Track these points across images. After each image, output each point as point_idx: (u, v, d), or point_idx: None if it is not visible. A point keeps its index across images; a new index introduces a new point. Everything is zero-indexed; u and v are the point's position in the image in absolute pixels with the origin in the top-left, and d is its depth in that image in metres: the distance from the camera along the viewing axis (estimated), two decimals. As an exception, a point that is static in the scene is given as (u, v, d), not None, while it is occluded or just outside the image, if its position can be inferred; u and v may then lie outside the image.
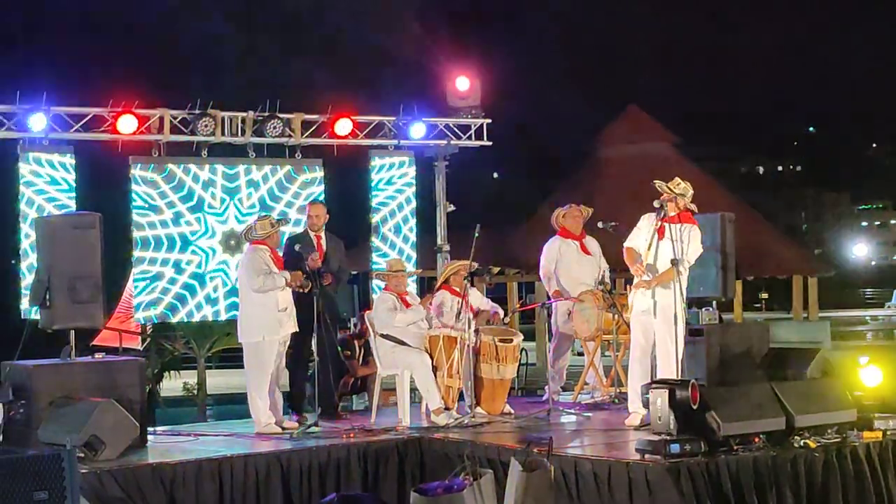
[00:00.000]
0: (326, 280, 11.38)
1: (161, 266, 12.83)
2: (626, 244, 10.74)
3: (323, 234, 11.82)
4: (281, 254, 11.13)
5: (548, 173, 30.94)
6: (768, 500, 8.69)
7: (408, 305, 11.40)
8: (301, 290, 10.96)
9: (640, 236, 10.59)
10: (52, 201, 12.28)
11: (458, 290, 11.60)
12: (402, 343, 11.19)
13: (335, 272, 11.74)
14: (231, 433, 10.93)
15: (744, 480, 8.65)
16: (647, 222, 10.60)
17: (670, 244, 10.20)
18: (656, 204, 10.41)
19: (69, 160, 12.43)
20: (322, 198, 13.21)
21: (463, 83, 14.46)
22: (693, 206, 10.54)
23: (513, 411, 11.52)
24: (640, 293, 10.54)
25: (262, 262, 10.78)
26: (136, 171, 12.76)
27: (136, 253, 12.74)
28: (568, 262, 12.56)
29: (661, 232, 10.38)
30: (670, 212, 10.40)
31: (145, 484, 9.02)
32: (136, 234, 12.73)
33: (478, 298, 11.99)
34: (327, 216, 11.97)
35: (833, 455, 9.13)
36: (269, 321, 10.77)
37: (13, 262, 12.41)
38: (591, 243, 12.72)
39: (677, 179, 10.57)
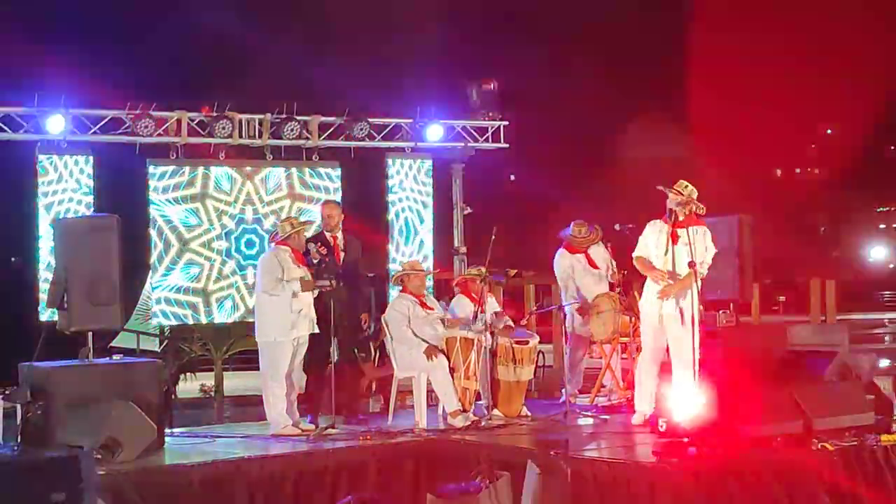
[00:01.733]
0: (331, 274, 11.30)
1: (178, 267, 12.87)
2: (635, 254, 10.71)
3: (339, 235, 11.80)
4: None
5: (565, 175, 30.87)
6: (786, 503, 8.66)
7: (425, 307, 11.40)
8: (324, 289, 10.94)
9: (649, 244, 10.55)
10: (70, 203, 12.33)
11: (475, 296, 11.57)
12: (422, 340, 11.15)
13: (352, 273, 11.70)
14: (248, 435, 10.93)
15: (762, 483, 8.62)
16: (652, 230, 10.56)
17: (686, 248, 10.18)
18: (673, 206, 10.37)
19: (87, 162, 12.48)
20: (339, 200, 13.21)
21: (486, 85, 14.45)
22: (701, 206, 10.47)
23: (529, 413, 11.51)
24: (650, 297, 10.52)
25: (277, 265, 10.78)
26: (154, 174, 12.80)
27: (154, 254, 12.78)
28: (578, 277, 12.60)
29: (674, 237, 10.36)
30: (680, 215, 10.37)
31: (162, 485, 9.04)
32: (153, 235, 12.77)
33: (493, 305, 11.96)
34: (342, 216, 11.97)
35: (851, 458, 9.09)
36: (281, 322, 10.78)
37: (31, 264, 12.44)
38: (597, 253, 12.68)
39: (683, 182, 10.50)
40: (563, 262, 12.72)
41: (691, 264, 10.08)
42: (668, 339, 10.54)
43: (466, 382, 11.11)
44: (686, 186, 10.41)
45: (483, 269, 11.54)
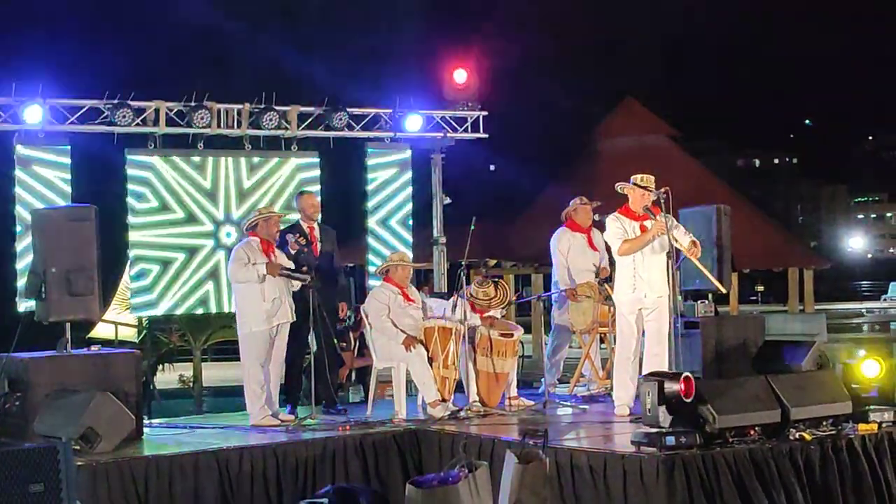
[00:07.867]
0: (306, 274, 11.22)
1: (156, 258, 12.84)
2: (617, 243, 10.74)
3: (316, 225, 11.77)
4: (276, 244, 11.08)
5: (544, 166, 30.90)
6: (763, 492, 8.70)
7: (408, 298, 11.38)
8: (299, 279, 10.90)
9: (626, 234, 10.58)
10: (48, 193, 12.28)
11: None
12: (401, 330, 11.14)
13: (329, 264, 11.68)
14: (227, 425, 10.93)
15: (739, 473, 8.65)
16: (619, 223, 10.58)
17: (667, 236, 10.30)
18: (653, 197, 10.42)
19: (65, 152, 12.43)
20: (318, 190, 13.20)
21: (460, 75, 14.47)
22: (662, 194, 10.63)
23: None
24: (629, 288, 10.56)
25: (244, 253, 10.76)
26: (132, 163, 12.77)
27: (132, 245, 12.74)
28: (574, 256, 12.45)
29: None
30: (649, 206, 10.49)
31: (141, 476, 9.02)
32: (131, 225, 12.73)
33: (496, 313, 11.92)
34: (319, 206, 11.94)
35: (828, 447, 9.13)
36: (255, 312, 10.76)
37: (8, 254, 12.39)
38: (598, 237, 12.65)
39: (644, 176, 10.60)
40: (562, 241, 12.45)
41: (668, 254, 10.16)
42: (645, 329, 10.59)
43: (445, 372, 11.10)
44: (650, 178, 10.50)
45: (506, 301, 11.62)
